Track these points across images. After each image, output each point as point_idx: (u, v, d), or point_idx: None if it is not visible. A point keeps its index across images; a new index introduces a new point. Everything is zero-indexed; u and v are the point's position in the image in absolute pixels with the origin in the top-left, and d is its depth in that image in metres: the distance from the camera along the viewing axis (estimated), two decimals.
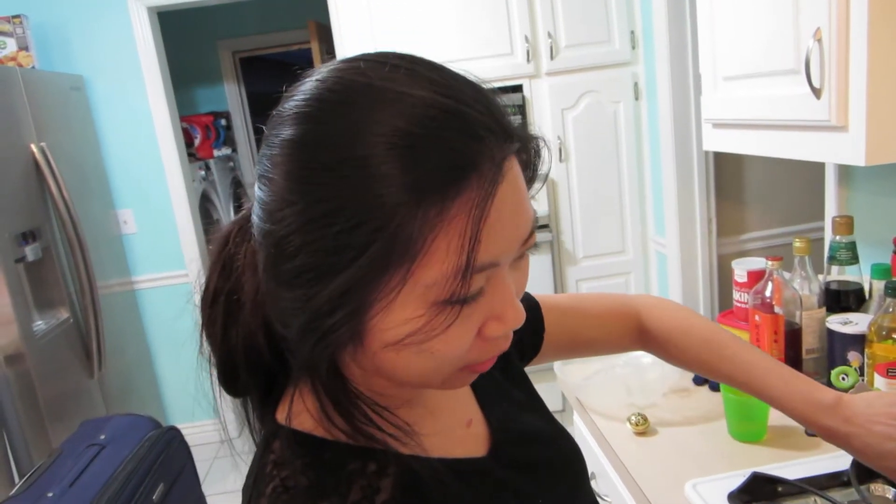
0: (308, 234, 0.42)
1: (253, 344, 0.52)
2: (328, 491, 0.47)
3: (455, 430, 0.60)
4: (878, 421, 0.68)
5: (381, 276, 0.41)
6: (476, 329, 0.46)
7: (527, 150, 0.48)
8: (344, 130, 0.42)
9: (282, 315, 0.47)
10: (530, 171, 0.49)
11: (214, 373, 0.56)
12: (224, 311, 0.52)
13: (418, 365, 0.46)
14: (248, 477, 0.51)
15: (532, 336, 0.78)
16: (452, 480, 0.53)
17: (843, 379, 1.07)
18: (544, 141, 0.50)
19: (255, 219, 0.47)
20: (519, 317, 0.47)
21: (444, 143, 0.41)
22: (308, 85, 0.46)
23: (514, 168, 0.45)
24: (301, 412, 0.51)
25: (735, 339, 0.81)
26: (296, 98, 0.46)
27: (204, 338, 0.54)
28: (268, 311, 0.49)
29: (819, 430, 0.72)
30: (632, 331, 0.85)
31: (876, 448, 0.67)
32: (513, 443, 0.62)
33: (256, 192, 0.47)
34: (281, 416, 0.52)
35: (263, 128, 0.48)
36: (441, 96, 0.43)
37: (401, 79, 0.43)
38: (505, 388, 0.69)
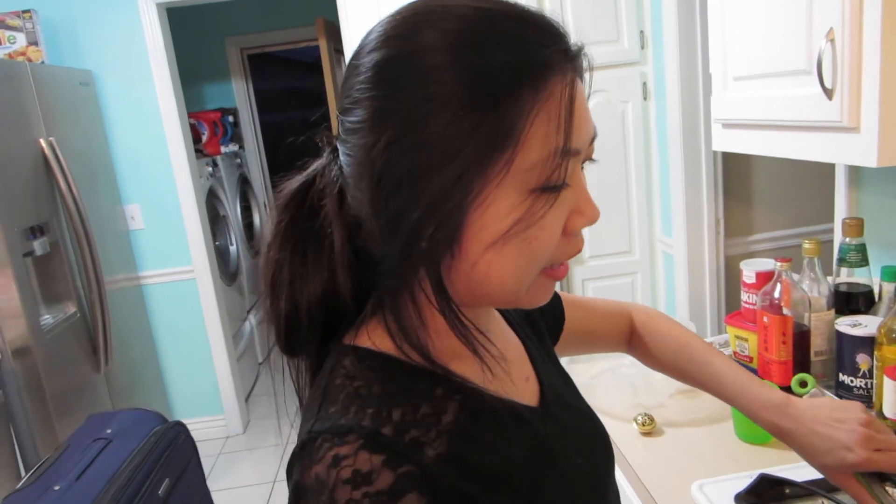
0: (416, 133, 0.45)
1: (327, 288, 0.53)
2: (400, 401, 0.49)
3: (517, 380, 0.63)
4: (821, 421, 0.73)
5: (488, 160, 0.45)
6: (564, 221, 0.50)
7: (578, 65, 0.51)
8: (436, 38, 0.46)
9: (386, 228, 0.48)
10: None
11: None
12: (293, 260, 0.54)
13: (515, 263, 0.49)
14: (314, 393, 0.52)
15: (555, 325, 0.83)
16: (510, 417, 0.56)
17: (802, 385, 1.09)
18: (589, 59, 0.53)
19: (348, 147, 0.50)
20: (597, 212, 0.51)
21: (531, 38, 0.47)
22: (386, 19, 0.50)
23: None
24: (368, 342, 0.53)
25: (707, 348, 0.86)
26: (377, 30, 0.49)
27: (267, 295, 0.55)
28: (363, 238, 0.51)
29: (767, 427, 0.78)
30: (625, 331, 0.91)
31: (816, 446, 0.72)
32: (558, 405, 0.66)
33: (344, 122, 0.50)
34: (349, 341, 0.54)
35: (350, 62, 0.51)
36: (523, 8, 0.49)
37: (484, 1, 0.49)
38: (551, 358, 0.75)
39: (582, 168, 0.52)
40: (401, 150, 0.46)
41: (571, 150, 0.47)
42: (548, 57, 0.46)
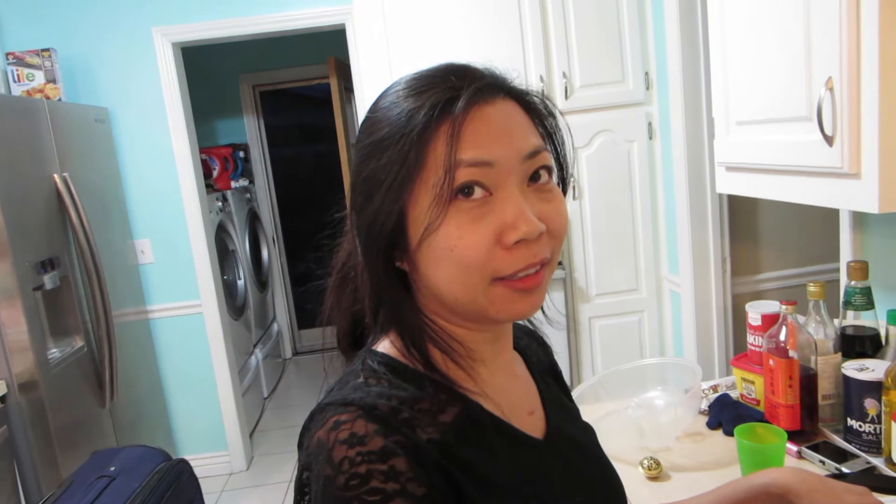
0: (365, 164, 0.58)
1: (356, 321, 0.68)
2: (402, 393, 0.57)
3: (520, 410, 0.67)
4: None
5: (410, 179, 0.55)
6: (491, 234, 0.55)
7: (523, 100, 0.61)
8: (380, 103, 0.61)
9: (361, 239, 0.60)
10: (537, 119, 0.62)
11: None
12: (335, 306, 0.68)
13: (448, 270, 0.56)
14: (335, 384, 0.62)
15: None
16: (504, 436, 0.62)
17: None
18: (544, 97, 0.64)
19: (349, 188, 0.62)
20: (531, 227, 0.55)
21: (433, 86, 0.58)
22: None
23: (504, 105, 0.58)
24: (384, 348, 0.63)
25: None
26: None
27: (332, 312, 0.69)
28: (363, 265, 0.61)
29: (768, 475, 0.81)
30: None
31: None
32: (563, 442, 0.69)
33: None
34: (372, 346, 0.64)
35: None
36: (430, 69, 0.62)
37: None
38: (564, 401, 0.78)
39: (552, 190, 0.59)
40: (362, 178, 0.59)
41: (463, 160, 0.54)
42: (436, 98, 0.56)
